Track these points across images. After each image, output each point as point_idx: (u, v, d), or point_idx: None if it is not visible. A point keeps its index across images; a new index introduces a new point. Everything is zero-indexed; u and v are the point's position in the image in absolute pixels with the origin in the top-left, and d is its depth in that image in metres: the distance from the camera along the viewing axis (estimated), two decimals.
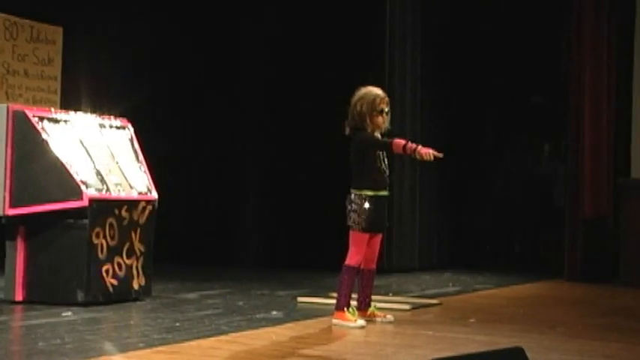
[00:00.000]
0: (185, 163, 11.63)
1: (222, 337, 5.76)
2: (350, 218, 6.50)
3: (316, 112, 10.97)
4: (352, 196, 6.50)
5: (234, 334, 5.90)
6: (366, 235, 6.49)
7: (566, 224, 10.42)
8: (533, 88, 12.06)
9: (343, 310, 6.44)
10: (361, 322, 6.39)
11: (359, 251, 6.48)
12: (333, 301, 6.71)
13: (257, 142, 11.67)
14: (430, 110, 11.54)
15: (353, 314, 6.45)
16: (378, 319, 6.62)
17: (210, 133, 11.71)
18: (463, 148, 12.09)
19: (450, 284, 9.71)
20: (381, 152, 6.50)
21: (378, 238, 6.65)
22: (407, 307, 7.44)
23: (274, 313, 7.01)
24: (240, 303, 7.54)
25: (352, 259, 6.51)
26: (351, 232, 6.52)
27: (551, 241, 11.37)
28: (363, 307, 6.68)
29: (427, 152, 6.29)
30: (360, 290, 6.69)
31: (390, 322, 6.58)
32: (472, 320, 6.90)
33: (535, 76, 11.87)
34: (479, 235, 12.27)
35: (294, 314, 6.98)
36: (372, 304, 6.72)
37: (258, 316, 6.81)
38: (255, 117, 11.68)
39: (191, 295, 7.95)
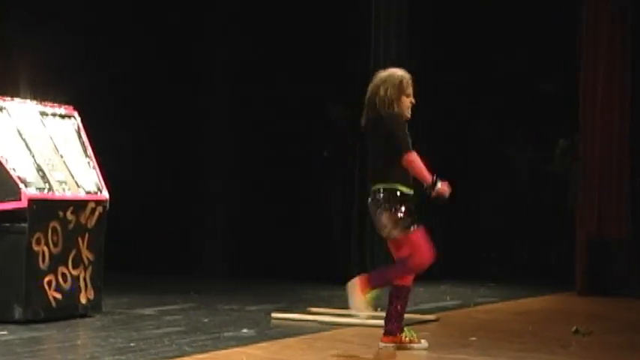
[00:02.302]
0: (141, 159, 11.58)
1: (185, 359, 5.70)
2: (384, 225, 6.29)
3: (290, 108, 11.00)
4: (381, 194, 6.31)
5: (198, 356, 5.84)
6: (422, 228, 6.31)
7: (577, 231, 10.45)
8: (542, 75, 12.10)
9: (397, 335, 6.29)
10: (424, 342, 6.32)
11: (427, 249, 6.28)
12: (313, 317, 6.67)
13: (224, 138, 11.65)
14: (422, 100, 11.51)
15: (412, 335, 6.33)
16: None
17: (170, 124, 11.66)
18: (459, 141, 12.11)
19: (448, 297, 9.71)
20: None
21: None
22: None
23: (245, 331, 6.96)
24: (206, 320, 7.49)
25: (416, 263, 6.29)
26: (401, 239, 6.31)
27: (563, 249, 11.39)
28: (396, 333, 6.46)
29: (444, 191, 6.25)
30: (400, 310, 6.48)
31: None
32: (473, 339, 6.88)
33: (544, 61, 11.91)
34: (481, 241, 12.28)
35: (268, 332, 6.94)
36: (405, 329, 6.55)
37: (226, 334, 6.77)
38: (224, 108, 11.67)
39: (148, 311, 7.90)
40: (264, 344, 6.39)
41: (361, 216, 10.88)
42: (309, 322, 7.39)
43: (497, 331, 7.40)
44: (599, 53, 10.42)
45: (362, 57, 10.76)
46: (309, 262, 10.91)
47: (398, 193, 6.28)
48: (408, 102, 6.42)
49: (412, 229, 6.29)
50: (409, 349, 6.31)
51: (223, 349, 6.14)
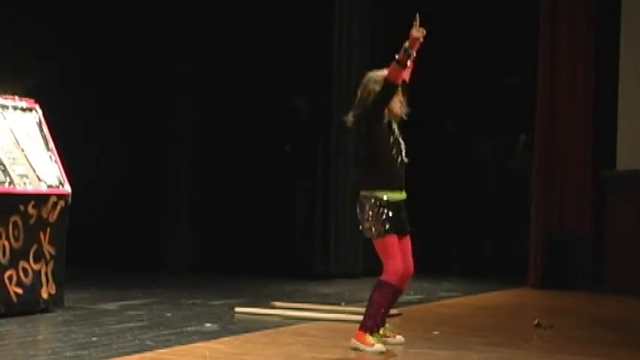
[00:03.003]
0: (103, 152, 11.51)
1: (147, 354, 5.69)
2: (364, 227, 6.31)
3: (258, 101, 10.98)
4: (362, 199, 6.30)
5: (160, 351, 5.83)
6: (394, 237, 6.32)
7: (532, 225, 10.50)
8: (507, 69, 12.15)
9: (368, 331, 6.22)
10: (380, 346, 6.21)
11: (394, 259, 6.26)
12: (276, 312, 6.68)
13: (188, 132, 11.61)
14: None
15: (378, 339, 6.25)
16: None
17: (133, 116, 11.60)
18: (423, 136, 12.13)
19: (412, 292, 9.73)
20: (395, 143, 6.36)
21: (407, 242, 6.47)
22: (362, 318, 7.42)
23: (208, 325, 6.96)
24: (168, 314, 7.48)
25: (388, 272, 6.27)
26: (375, 244, 6.32)
27: (526, 244, 11.46)
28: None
29: (417, 36, 6.18)
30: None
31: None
32: (436, 333, 6.92)
33: (509, 53, 11.96)
34: (444, 236, 12.33)
35: (231, 327, 6.94)
36: (387, 324, 6.57)
37: (189, 329, 6.76)
38: (188, 103, 11.62)
39: (110, 306, 7.86)
40: (227, 339, 6.39)
41: (324, 211, 10.92)
42: (273, 317, 7.40)
43: (460, 326, 7.44)
44: (558, 46, 10.46)
45: (324, 51, 10.79)
46: (272, 257, 10.92)
47: (373, 199, 6.26)
48: (397, 102, 6.38)
49: (382, 234, 6.25)
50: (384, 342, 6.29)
51: (186, 343, 6.13)
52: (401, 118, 6.43)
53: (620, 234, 10.21)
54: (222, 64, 11.43)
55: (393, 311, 7.90)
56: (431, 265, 11.81)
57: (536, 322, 7.28)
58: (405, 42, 6.18)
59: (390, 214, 6.27)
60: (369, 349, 6.16)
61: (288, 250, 10.98)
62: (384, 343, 6.26)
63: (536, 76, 10.64)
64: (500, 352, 6.10)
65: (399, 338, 6.50)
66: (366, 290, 9.62)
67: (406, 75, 6.48)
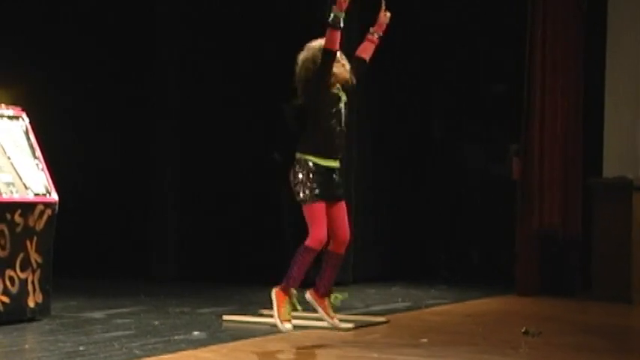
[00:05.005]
0: (91, 160, 11.49)
1: None
2: (294, 190, 6.51)
3: (246, 102, 10.96)
4: (295, 163, 6.53)
5: (148, 359, 5.82)
6: (321, 204, 6.45)
7: (517, 231, 10.52)
8: (493, 75, 12.17)
9: (286, 295, 6.45)
10: (289, 326, 6.44)
11: (319, 226, 6.44)
12: (265, 320, 6.69)
13: (175, 140, 11.60)
14: (368, 99, 11.55)
15: (288, 312, 6.44)
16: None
17: (120, 124, 11.59)
18: (411, 142, 12.17)
19: (399, 299, 9.75)
20: (337, 113, 6.46)
21: (341, 208, 6.61)
22: (349, 325, 7.43)
23: (196, 333, 6.96)
24: (156, 322, 7.47)
25: (312, 238, 6.47)
26: (302, 208, 6.51)
27: (515, 250, 11.48)
28: (322, 293, 6.72)
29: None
30: (324, 274, 6.71)
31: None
32: (424, 340, 6.92)
33: (496, 59, 11.99)
34: (432, 243, 12.35)
35: (220, 335, 6.94)
36: (333, 295, 6.74)
37: (176, 337, 6.75)
38: (175, 110, 11.61)
39: (97, 314, 7.85)
40: (215, 347, 6.39)
41: None
42: (261, 325, 7.39)
43: (448, 333, 7.45)
44: (545, 52, 10.48)
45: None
46: (260, 265, 10.90)
47: (303, 162, 6.49)
48: (342, 69, 6.53)
49: (309, 200, 6.43)
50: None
51: (174, 352, 6.12)
52: (348, 81, 6.58)
53: (609, 241, 10.22)
54: (210, 72, 11.42)
55: (380, 319, 7.94)
56: (418, 272, 11.88)
57: (524, 329, 7.30)
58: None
59: (319, 178, 6.45)
60: (278, 321, 6.45)
61: (276, 258, 10.96)
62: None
63: (523, 82, 10.66)
64: (487, 359, 6.10)
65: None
66: (355, 298, 9.67)
67: (368, 52, 6.71)
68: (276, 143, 11.43)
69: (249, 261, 10.98)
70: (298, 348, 6.50)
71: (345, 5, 6.35)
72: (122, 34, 11.59)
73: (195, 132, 11.49)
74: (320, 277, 6.73)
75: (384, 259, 11.88)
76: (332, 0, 6.51)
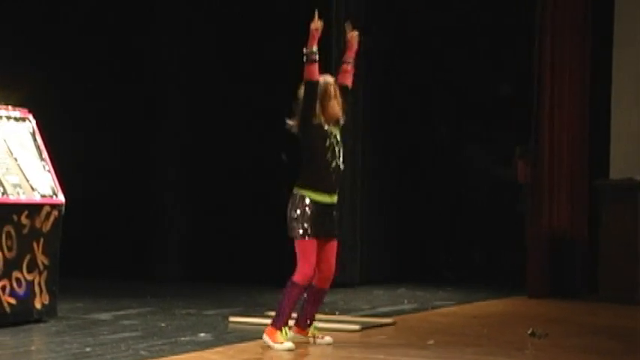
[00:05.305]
0: (97, 161, 11.50)
1: None
2: (289, 225, 6.50)
3: (250, 105, 10.97)
4: (292, 197, 6.51)
5: None
6: (313, 242, 6.46)
7: (528, 234, 10.51)
8: (499, 77, 12.17)
9: (278, 329, 6.46)
10: (289, 344, 6.43)
11: (307, 263, 6.44)
12: (269, 321, 6.69)
13: (181, 137, 11.61)
14: (372, 101, 11.55)
15: (284, 336, 6.46)
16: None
17: (125, 126, 11.60)
18: (415, 144, 12.16)
19: (406, 301, 9.75)
20: (331, 147, 6.47)
21: (332, 246, 6.61)
22: (356, 327, 7.44)
23: (202, 335, 6.96)
24: (162, 324, 7.47)
25: (299, 273, 6.47)
26: (295, 243, 6.50)
27: (520, 253, 11.46)
28: (303, 326, 6.70)
29: (313, 27, 6.34)
30: (306, 307, 6.69)
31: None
32: (430, 342, 6.92)
33: (502, 61, 11.98)
34: (438, 245, 12.34)
35: (226, 336, 6.94)
36: (314, 324, 6.75)
37: (183, 338, 6.75)
38: (180, 111, 11.62)
39: (104, 316, 7.86)
40: (221, 348, 6.39)
41: None
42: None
43: (454, 335, 7.44)
44: (553, 55, 10.47)
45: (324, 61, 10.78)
46: (266, 266, 10.90)
47: (299, 197, 6.47)
48: (334, 104, 6.52)
49: (302, 236, 6.43)
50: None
51: (180, 353, 6.13)
52: (337, 120, 6.56)
53: (615, 242, 10.20)
54: (211, 72, 11.40)
55: (386, 320, 7.94)
56: (424, 274, 11.87)
57: (530, 331, 7.29)
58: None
59: (315, 216, 6.44)
60: (277, 346, 6.40)
61: (282, 259, 10.95)
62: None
63: (530, 85, 10.65)
64: None
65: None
66: (361, 300, 9.67)
67: (348, 80, 6.68)
68: (284, 144, 11.43)
69: (254, 262, 10.97)
70: (304, 349, 6.50)
71: (314, 41, 6.38)
72: (123, 35, 11.60)
73: (197, 132, 11.49)
74: (302, 310, 6.72)
75: (390, 261, 11.88)
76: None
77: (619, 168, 10.52)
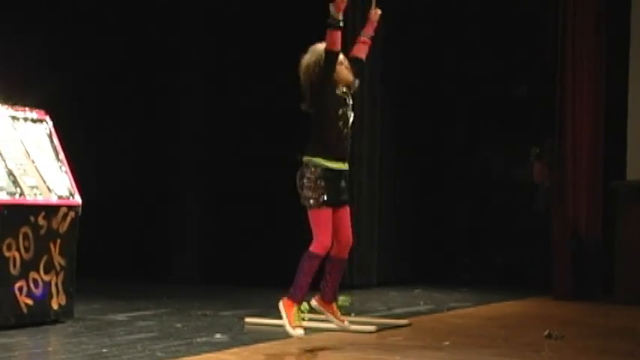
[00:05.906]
0: (113, 163, 11.54)
1: None
2: (301, 195, 6.47)
3: (266, 110, 10.98)
4: (302, 166, 6.47)
5: None
6: (328, 211, 6.43)
7: (552, 235, 10.50)
8: (516, 80, 12.16)
9: (294, 303, 6.46)
10: (300, 331, 6.43)
11: (325, 231, 6.40)
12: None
13: (198, 142, 11.62)
14: (390, 103, 11.54)
15: (298, 318, 6.45)
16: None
17: (143, 128, 11.63)
18: (432, 146, 12.16)
19: (421, 302, 9.74)
20: (344, 115, 6.45)
21: (346, 212, 6.57)
22: (372, 328, 7.43)
23: (218, 336, 6.97)
24: (179, 325, 7.49)
25: (317, 242, 6.43)
26: (308, 213, 6.47)
27: (537, 254, 11.45)
28: (328, 299, 6.70)
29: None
30: (329, 280, 6.67)
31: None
32: (446, 343, 6.91)
33: (518, 65, 11.97)
34: (454, 246, 12.33)
35: (242, 337, 6.95)
36: (340, 298, 6.76)
37: (199, 339, 6.76)
38: (199, 113, 11.64)
39: (120, 317, 7.88)
40: (237, 349, 6.39)
41: None
42: (283, 328, 7.39)
43: (470, 336, 7.43)
44: (578, 54, 10.44)
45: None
46: (282, 268, 10.89)
47: (312, 165, 6.41)
48: (346, 70, 6.50)
49: (317, 206, 6.37)
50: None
51: (196, 354, 6.13)
52: (349, 87, 6.53)
53: (632, 245, 10.18)
54: (231, 76, 11.44)
55: (402, 321, 7.93)
56: (441, 275, 11.87)
57: (547, 332, 7.28)
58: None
59: (328, 184, 6.39)
60: (289, 327, 6.43)
61: (298, 261, 10.95)
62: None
63: (546, 88, 10.64)
64: None
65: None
66: (377, 301, 9.67)
67: (363, 53, 6.67)
68: (299, 146, 11.44)
69: (270, 264, 10.98)
70: (320, 350, 6.50)
71: (343, 5, 6.27)
72: (140, 37, 11.62)
73: (216, 134, 11.50)
74: (325, 283, 6.69)
75: (406, 262, 11.88)
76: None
77: (635, 169, 10.49)
